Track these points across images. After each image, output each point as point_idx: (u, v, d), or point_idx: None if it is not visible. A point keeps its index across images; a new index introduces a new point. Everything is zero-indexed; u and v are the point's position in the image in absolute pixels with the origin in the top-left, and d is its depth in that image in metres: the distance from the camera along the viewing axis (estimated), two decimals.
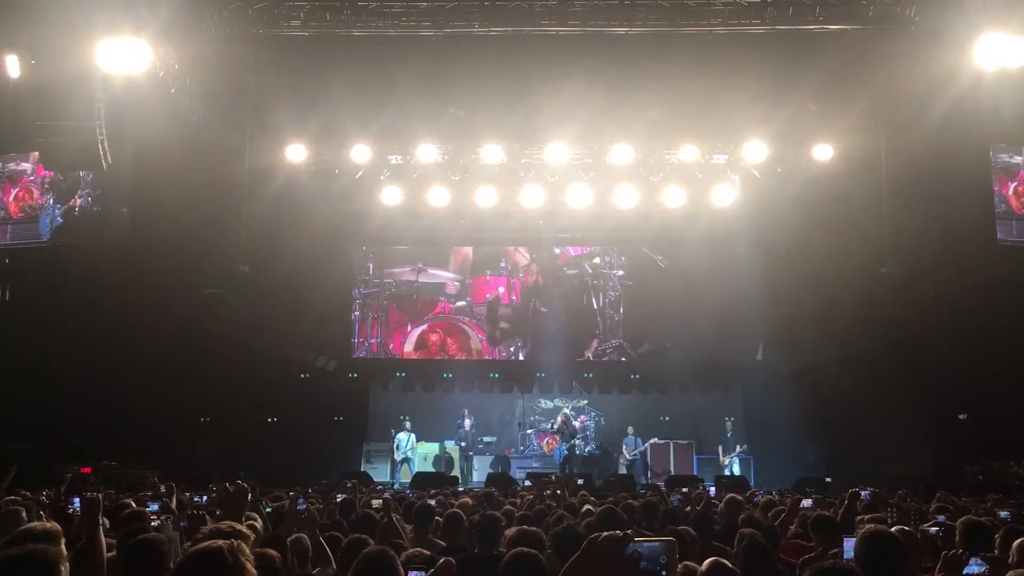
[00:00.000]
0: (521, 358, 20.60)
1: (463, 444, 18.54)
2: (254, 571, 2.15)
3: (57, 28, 11.62)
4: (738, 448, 18.06)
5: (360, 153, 17.06)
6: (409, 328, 20.59)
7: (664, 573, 2.01)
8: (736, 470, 17.76)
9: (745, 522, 5.80)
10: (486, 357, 20.53)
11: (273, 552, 3.99)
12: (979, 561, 4.09)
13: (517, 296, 20.81)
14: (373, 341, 20.61)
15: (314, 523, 5.07)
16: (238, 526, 3.36)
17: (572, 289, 20.67)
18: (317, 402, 19.09)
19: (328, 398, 19.40)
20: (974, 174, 16.38)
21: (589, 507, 7.35)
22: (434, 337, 20.55)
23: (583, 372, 20.40)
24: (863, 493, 8.34)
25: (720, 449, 18.21)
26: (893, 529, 4.74)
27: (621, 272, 20.62)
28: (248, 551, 2.20)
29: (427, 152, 17.17)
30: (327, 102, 16.00)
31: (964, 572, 3.98)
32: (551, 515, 6.77)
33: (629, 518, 6.32)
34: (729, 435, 18.40)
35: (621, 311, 20.46)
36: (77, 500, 6.33)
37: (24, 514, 5.98)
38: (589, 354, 20.48)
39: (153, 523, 5.35)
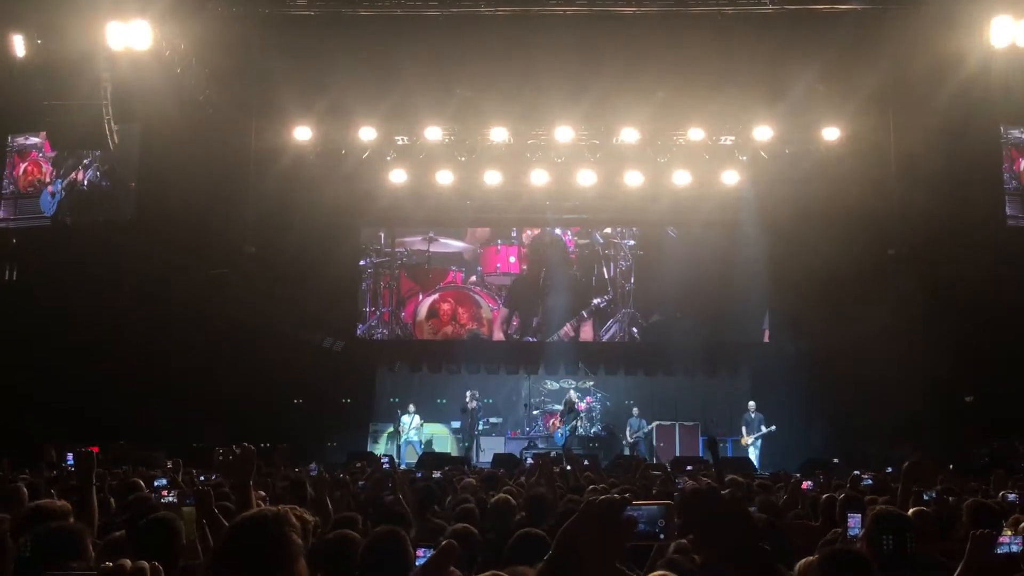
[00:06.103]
0: (530, 338, 20.63)
1: (469, 423, 18.59)
2: (299, 541, 2.18)
3: (63, 7, 11.60)
4: (763, 429, 17.52)
5: (366, 134, 17.04)
6: (420, 297, 20.66)
7: (662, 536, 2.04)
8: (758, 450, 17.48)
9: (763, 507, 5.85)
10: (496, 334, 20.50)
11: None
12: (1014, 537, 4.07)
13: (527, 267, 20.84)
14: (385, 310, 20.67)
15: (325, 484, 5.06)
16: (298, 510, 3.24)
17: (581, 259, 20.67)
18: (324, 382, 19.15)
19: (334, 378, 19.45)
20: (984, 154, 16.26)
21: (594, 486, 7.37)
22: (445, 306, 20.62)
23: (589, 352, 20.39)
24: (865, 477, 8.36)
25: (744, 430, 17.82)
26: (911, 511, 4.76)
27: (632, 242, 20.62)
28: (294, 520, 2.21)
29: (433, 133, 17.12)
30: (333, 82, 15.92)
31: (999, 551, 3.94)
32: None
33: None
34: (752, 416, 17.82)
35: (632, 280, 20.47)
36: (71, 456, 6.17)
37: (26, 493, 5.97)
38: (591, 326, 20.43)
39: (163, 499, 5.38)
